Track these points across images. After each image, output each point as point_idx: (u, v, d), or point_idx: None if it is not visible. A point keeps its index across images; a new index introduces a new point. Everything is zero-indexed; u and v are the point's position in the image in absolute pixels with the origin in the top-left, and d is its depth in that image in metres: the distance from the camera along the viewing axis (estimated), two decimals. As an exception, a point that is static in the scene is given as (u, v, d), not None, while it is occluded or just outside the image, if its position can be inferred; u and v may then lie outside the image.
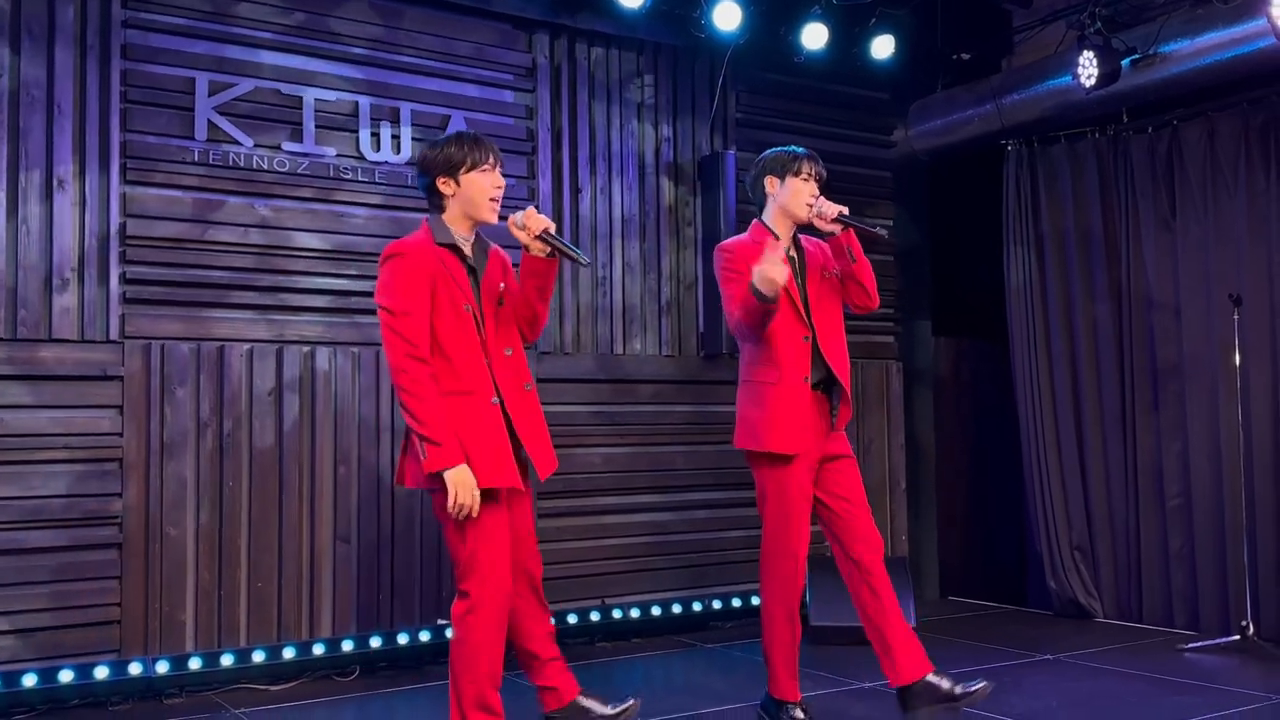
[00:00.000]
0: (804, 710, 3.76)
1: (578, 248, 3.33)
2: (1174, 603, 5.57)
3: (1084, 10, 5.23)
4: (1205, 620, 5.39)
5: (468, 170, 3.23)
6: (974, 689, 3.59)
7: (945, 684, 3.61)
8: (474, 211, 3.27)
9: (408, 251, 3.21)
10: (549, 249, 3.27)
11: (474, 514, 3.11)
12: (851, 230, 3.76)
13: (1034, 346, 6.01)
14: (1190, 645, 5.04)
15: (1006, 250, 6.12)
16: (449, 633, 3.41)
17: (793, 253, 3.81)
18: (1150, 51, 5.13)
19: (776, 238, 3.78)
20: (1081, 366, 5.90)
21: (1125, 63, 5.15)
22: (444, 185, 3.25)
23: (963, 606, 6.31)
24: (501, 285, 3.34)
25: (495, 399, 3.24)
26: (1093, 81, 5.15)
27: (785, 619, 3.74)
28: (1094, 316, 5.87)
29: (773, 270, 3.47)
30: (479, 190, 3.24)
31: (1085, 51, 5.15)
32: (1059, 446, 5.93)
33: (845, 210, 3.76)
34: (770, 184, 3.83)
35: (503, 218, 3.33)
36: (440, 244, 3.24)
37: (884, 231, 3.82)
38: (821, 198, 3.79)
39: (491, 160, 3.26)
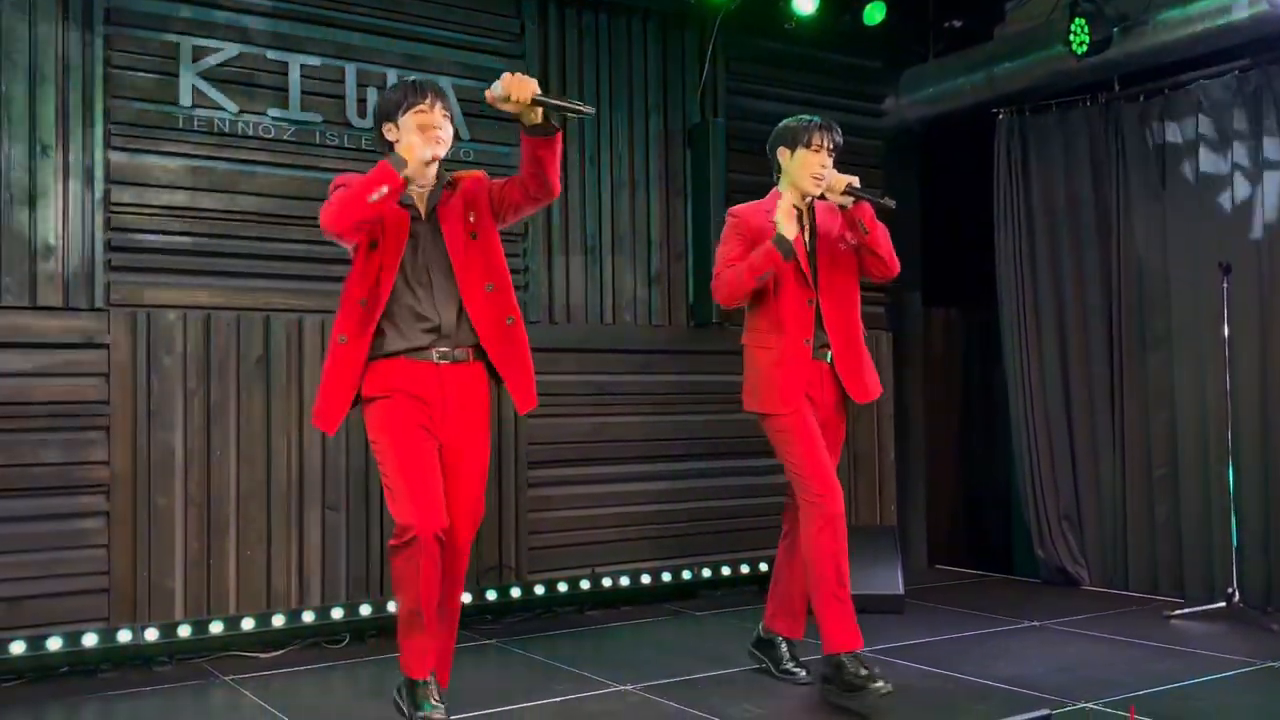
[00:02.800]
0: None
1: (577, 101, 3.17)
2: (1159, 570, 5.60)
3: (1076, -23, 5.21)
4: (1190, 587, 5.43)
5: (404, 112, 3.25)
6: (876, 683, 3.54)
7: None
8: None
9: None
10: (543, 114, 3.13)
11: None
12: (864, 202, 3.74)
13: (1023, 316, 6.01)
14: (1176, 612, 5.07)
15: (997, 219, 6.11)
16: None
17: (804, 221, 3.82)
18: (1142, 19, 5.11)
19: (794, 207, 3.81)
20: (1070, 336, 5.91)
21: (1116, 30, 5.13)
22: (389, 132, 3.30)
23: (950, 575, 6.34)
24: (471, 217, 3.30)
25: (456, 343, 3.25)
26: (1084, 49, 5.13)
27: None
28: (1083, 285, 5.88)
29: (783, 225, 3.68)
30: (417, 127, 3.24)
31: (1077, 19, 5.13)
32: (1047, 416, 5.95)
33: (855, 181, 3.73)
34: (782, 155, 3.84)
35: (482, 101, 3.22)
36: None
37: (893, 203, 3.79)
38: (832, 170, 3.77)
39: (428, 100, 3.24)
